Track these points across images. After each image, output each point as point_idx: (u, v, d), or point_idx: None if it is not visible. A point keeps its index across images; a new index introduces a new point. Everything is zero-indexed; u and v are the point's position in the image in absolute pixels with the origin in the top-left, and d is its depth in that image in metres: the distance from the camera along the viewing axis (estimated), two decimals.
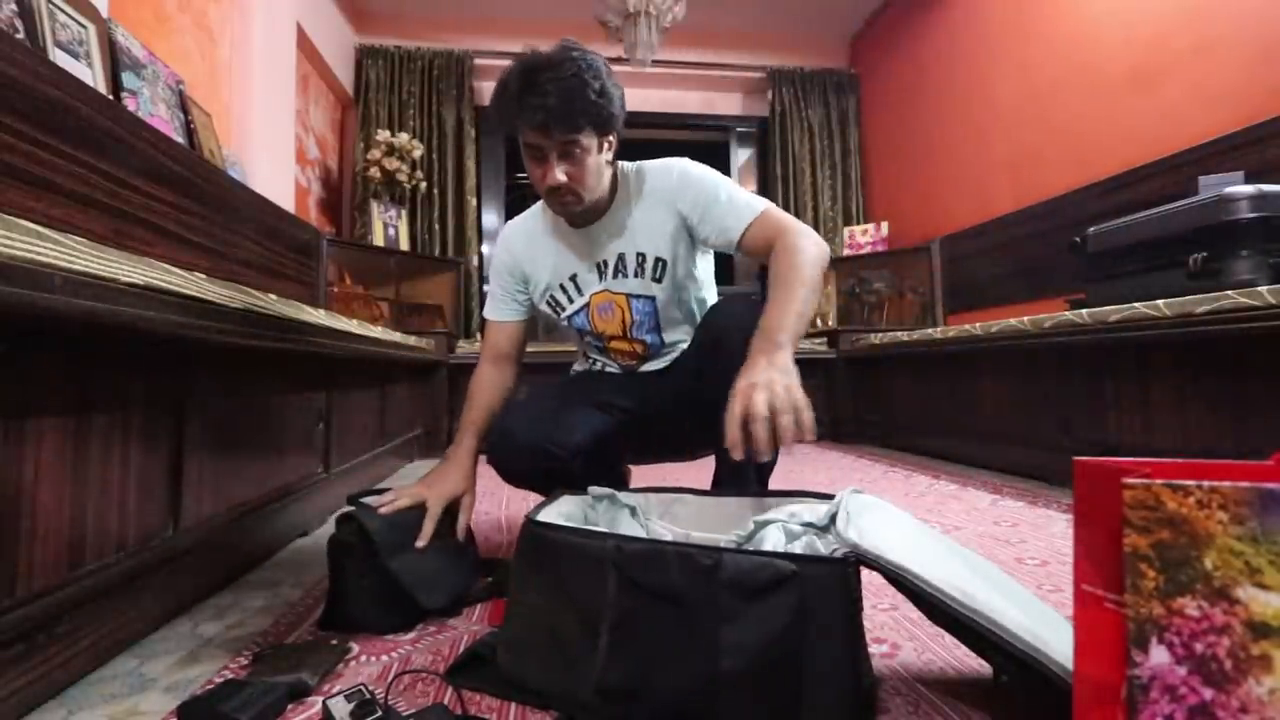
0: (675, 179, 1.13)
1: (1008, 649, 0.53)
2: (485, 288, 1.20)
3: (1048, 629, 0.55)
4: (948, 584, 0.56)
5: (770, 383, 0.78)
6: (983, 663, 0.74)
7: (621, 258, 1.15)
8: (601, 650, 0.64)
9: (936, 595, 0.56)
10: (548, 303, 1.22)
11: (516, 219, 1.28)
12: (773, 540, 0.74)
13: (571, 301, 1.21)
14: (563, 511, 0.86)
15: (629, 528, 0.89)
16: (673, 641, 0.62)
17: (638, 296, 1.16)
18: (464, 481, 1.07)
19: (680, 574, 0.62)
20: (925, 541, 0.66)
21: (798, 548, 0.72)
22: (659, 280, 1.15)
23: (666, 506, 0.94)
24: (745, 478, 1.05)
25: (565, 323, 1.24)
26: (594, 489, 0.92)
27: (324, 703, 0.65)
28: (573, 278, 1.19)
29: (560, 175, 1.02)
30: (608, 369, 1.28)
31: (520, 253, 1.23)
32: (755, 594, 0.59)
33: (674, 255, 1.14)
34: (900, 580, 0.57)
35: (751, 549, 0.66)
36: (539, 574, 0.73)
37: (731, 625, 0.59)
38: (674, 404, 1.15)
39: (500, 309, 1.26)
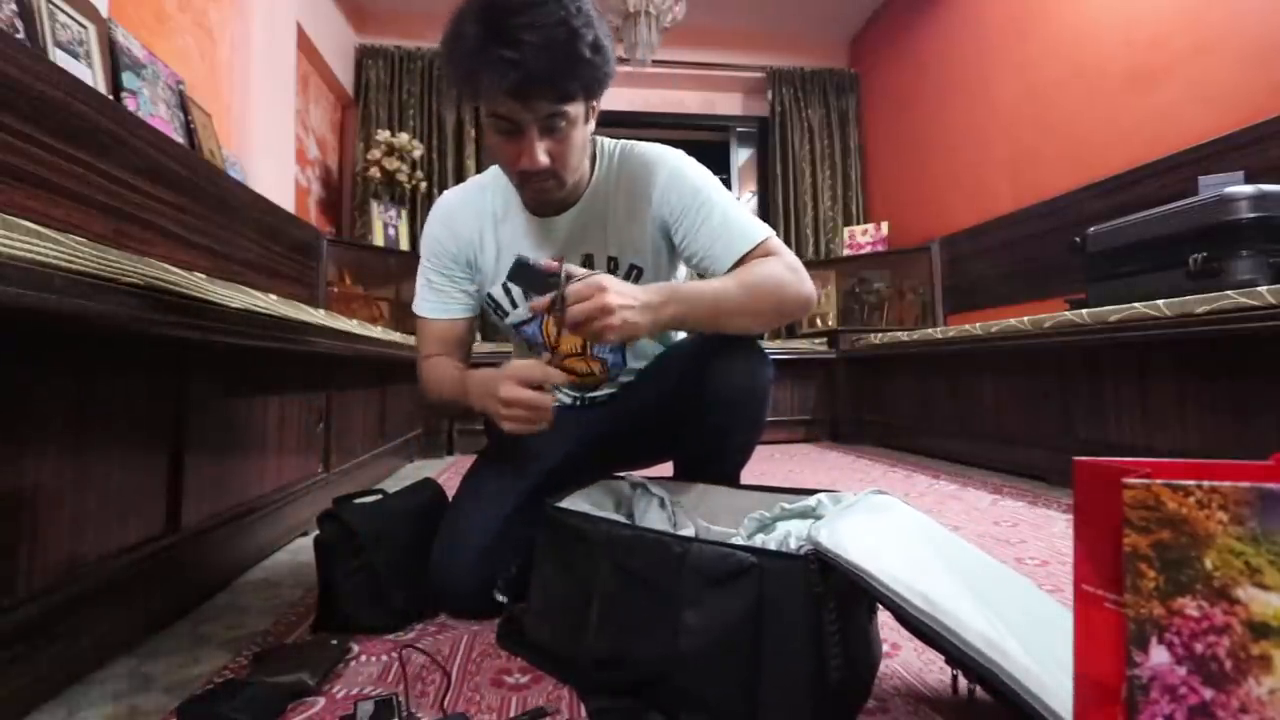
0: (663, 179, 0.94)
1: (964, 659, 0.53)
2: (419, 270, 1.06)
3: (1033, 651, 0.53)
4: (910, 589, 0.56)
5: (626, 300, 0.76)
6: None
7: (589, 261, 0.97)
8: (592, 624, 0.72)
9: (893, 598, 0.56)
10: (487, 300, 1.03)
11: (456, 191, 1.04)
12: (783, 532, 0.78)
13: (517, 305, 1.01)
14: (593, 499, 0.90)
15: (656, 518, 0.92)
16: (646, 619, 0.68)
17: None
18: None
19: (655, 560, 0.67)
20: (913, 547, 0.65)
21: (792, 543, 0.73)
22: None
23: (699, 499, 0.96)
24: (705, 476, 1.00)
25: (511, 330, 1.06)
26: (630, 475, 0.95)
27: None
28: None
29: (543, 157, 0.81)
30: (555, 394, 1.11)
31: (465, 234, 1.00)
32: (716, 582, 0.63)
33: (652, 265, 0.98)
34: (861, 582, 0.57)
35: (720, 541, 0.67)
36: (554, 553, 0.81)
37: (693, 609, 0.64)
38: (624, 432, 1.05)
39: (445, 304, 1.02)
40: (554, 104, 0.78)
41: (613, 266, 0.98)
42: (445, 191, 1.06)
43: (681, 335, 1.11)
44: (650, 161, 0.96)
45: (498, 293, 1.01)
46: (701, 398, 0.95)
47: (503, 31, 0.73)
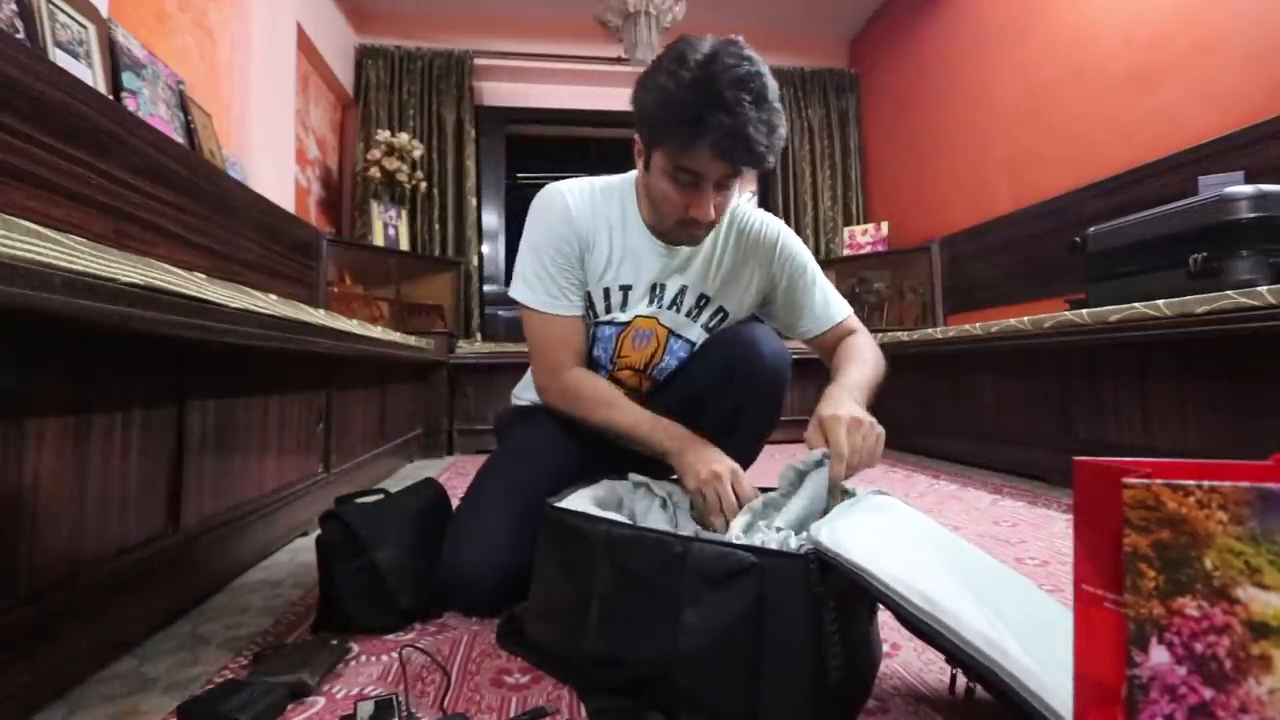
0: (781, 247, 1.07)
1: (964, 658, 0.53)
2: (526, 264, 1.05)
3: (1033, 651, 0.52)
4: (910, 588, 0.55)
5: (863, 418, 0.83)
6: None
7: (683, 291, 1.05)
8: (592, 623, 0.72)
9: (893, 597, 0.56)
10: (584, 297, 1.06)
11: (569, 190, 1.04)
12: (790, 516, 0.78)
13: (609, 311, 1.06)
14: (594, 497, 0.90)
15: (658, 517, 0.92)
16: (646, 619, 0.68)
17: (680, 337, 1.08)
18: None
19: (654, 559, 0.68)
20: (913, 547, 0.65)
21: (792, 543, 0.73)
22: (709, 329, 1.08)
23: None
24: None
25: (591, 328, 1.08)
26: (633, 475, 0.96)
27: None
28: (624, 289, 1.04)
29: (713, 211, 0.91)
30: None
31: (583, 233, 1.02)
32: (716, 582, 0.63)
33: (736, 310, 1.09)
34: (862, 581, 0.57)
35: (720, 540, 0.68)
36: (554, 553, 0.81)
37: (693, 608, 0.64)
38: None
39: (570, 299, 1.02)
40: (747, 171, 0.86)
41: (702, 302, 1.07)
42: (553, 187, 1.05)
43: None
44: (770, 226, 1.09)
45: (597, 294, 1.05)
46: (725, 370, 1.02)
47: (740, 107, 0.80)
